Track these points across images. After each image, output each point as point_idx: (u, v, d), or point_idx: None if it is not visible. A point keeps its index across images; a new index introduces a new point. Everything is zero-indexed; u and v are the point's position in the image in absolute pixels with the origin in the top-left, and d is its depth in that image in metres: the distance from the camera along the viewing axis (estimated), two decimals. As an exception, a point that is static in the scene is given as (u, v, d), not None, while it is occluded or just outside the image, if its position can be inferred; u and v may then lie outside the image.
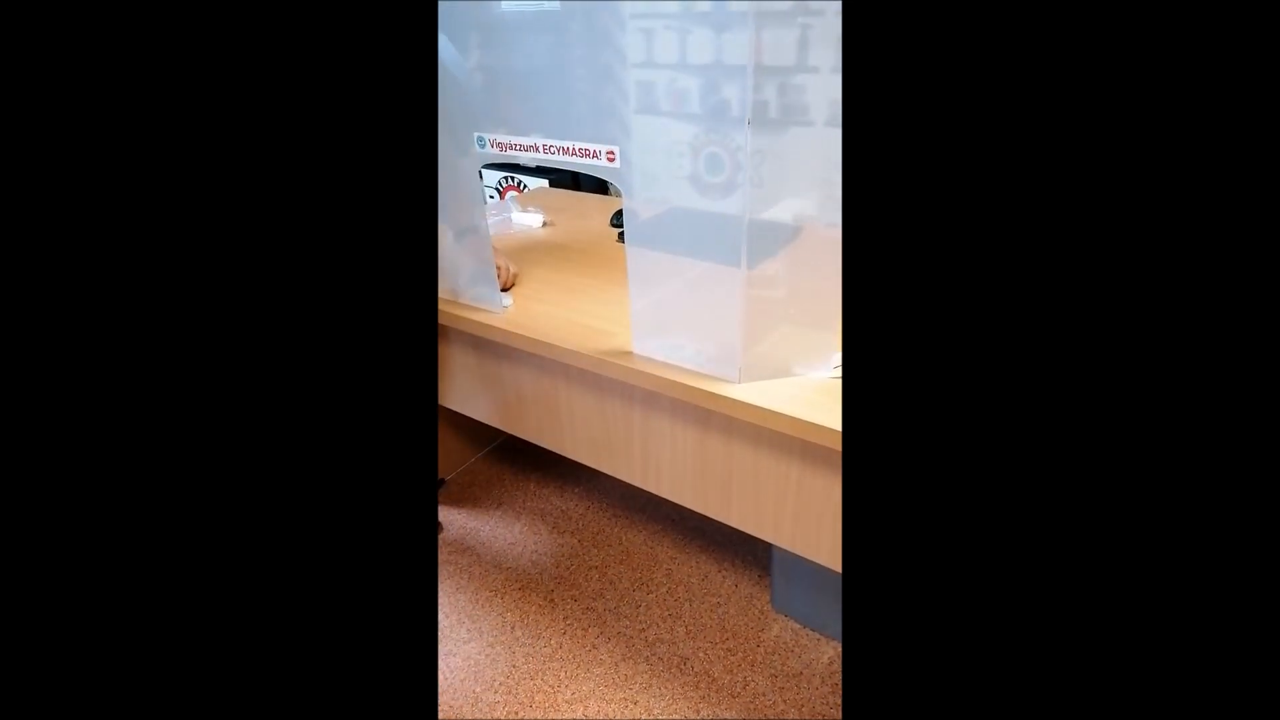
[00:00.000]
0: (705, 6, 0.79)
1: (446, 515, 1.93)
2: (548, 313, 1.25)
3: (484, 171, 2.90)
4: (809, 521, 1.05)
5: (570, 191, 2.31)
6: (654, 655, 1.50)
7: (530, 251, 1.59)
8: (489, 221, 1.30)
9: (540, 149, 1.01)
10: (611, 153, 0.94)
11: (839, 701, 1.39)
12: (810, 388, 0.98)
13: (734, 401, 0.97)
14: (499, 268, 1.29)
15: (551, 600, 1.65)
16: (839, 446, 0.90)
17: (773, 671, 1.46)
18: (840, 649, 1.50)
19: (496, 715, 1.39)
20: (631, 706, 1.40)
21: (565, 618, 1.60)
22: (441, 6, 1.00)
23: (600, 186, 2.49)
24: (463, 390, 1.49)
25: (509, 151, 1.05)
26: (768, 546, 1.65)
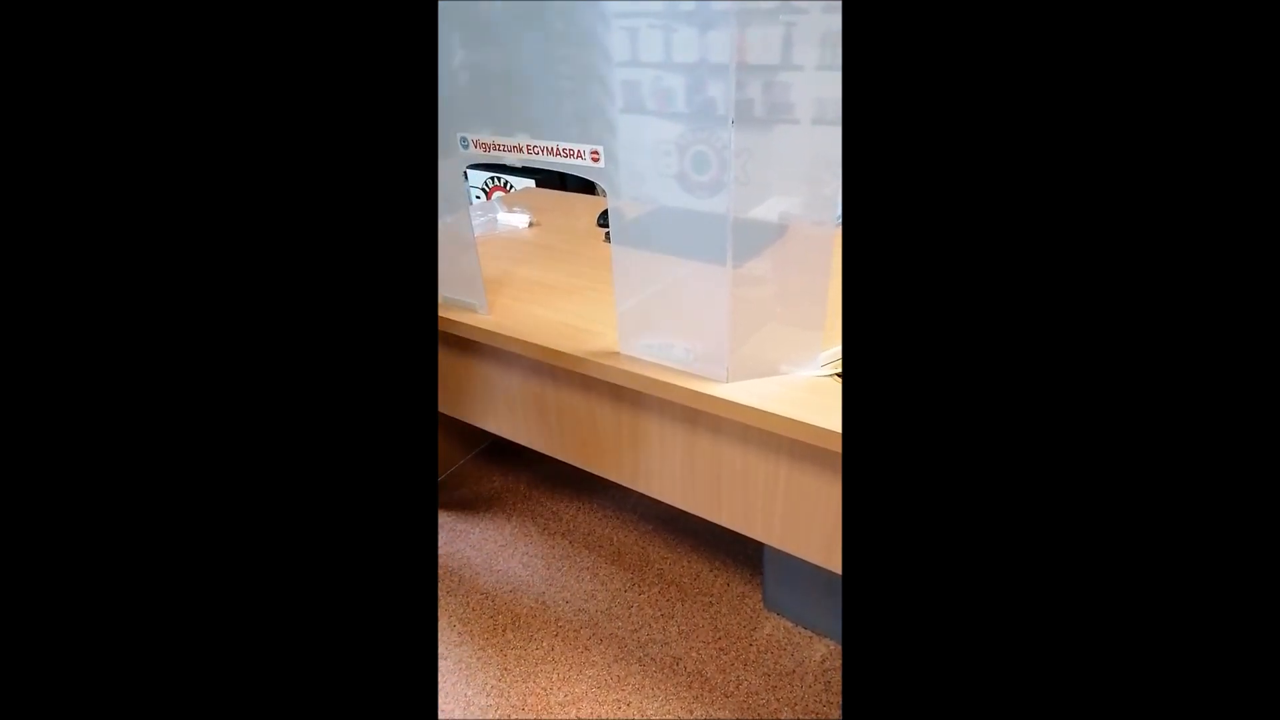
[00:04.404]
0: (689, 5, 0.79)
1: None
2: (534, 314, 1.25)
3: (470, 172, 2.89)
4: (799, 520, 1.05)
5: (556, 191, 2.30)
6: (646, 656, 1.50)
7: (516, 252, 1.59)
8: (474, 222, 1.30)
9: (524, 149, 1.01)
10: (596, 152, 0.94)
11: (832, 699, 1.39)
12: (798, 386, 0.98)
13: (722, 401, 0.97)
14: None
15: (543, 602, 1.64)
16: (828, 445, 0.90)
17: (765, 670, 1.46)
18: (832, 647, 1.50)
19: (488, 718, 1.39)
20: (624, 708, 1.39)
21: (557, 619, 1.60)
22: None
23: (587, 186, 2.49)
24: (450, 392, 1.48)
25: (493, 152, 1.05)
26: (759, 545, 1.65)
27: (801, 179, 0.91)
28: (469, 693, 1.44)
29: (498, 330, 1.20)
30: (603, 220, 1.72)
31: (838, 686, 1.41)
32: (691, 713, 1.38)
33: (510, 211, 1.79)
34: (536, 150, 0.99)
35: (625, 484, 1.28)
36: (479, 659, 1.51)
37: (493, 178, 2.91)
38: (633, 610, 1.61)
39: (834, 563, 1.05)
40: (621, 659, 1.49)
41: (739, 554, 1.74)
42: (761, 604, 1.61)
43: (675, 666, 1.47)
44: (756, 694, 1.41)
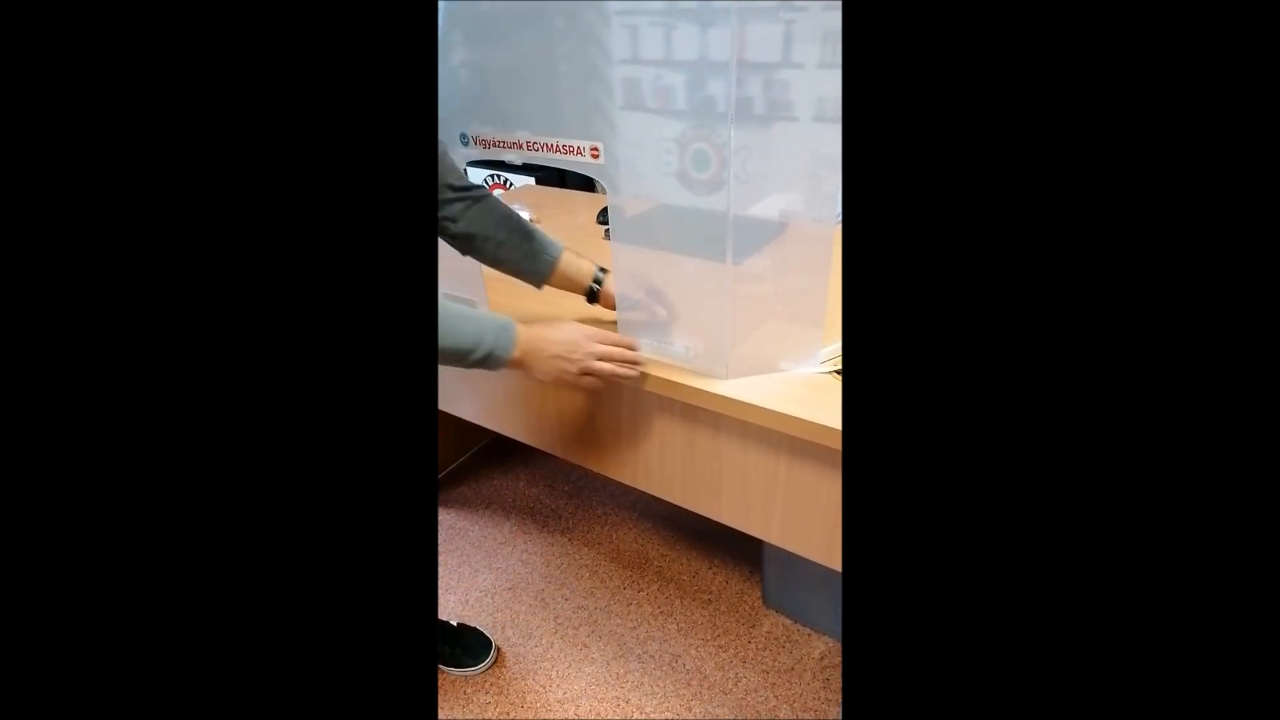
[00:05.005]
0: (689, 3, 0.79)
1: (436, 516, 1.92)
2: (533, 310, 1.25)
3: (470, 170, 2.89)
4: (798, 517, 1.05)
5: (556, 189, 2.30)
6: (645, 653, 1.50)
7: (517, 250, 1.58)
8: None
9: (524, 146, 1.01)
10: (595, 149, 0.93)
11: (831, 697, 1.40)
12: (798, 383, 0.98)
13: (722, 398, 0.97)
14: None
15: (542, 600, 1.65)
16: (827, 442, 0.90)
17: (764, 668, 1.46)
18: (832, 644, 1.50)
19: (488, 715, 1.39)
20: (624, 705, 1.40)
21: (556, 617, 1.60)
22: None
23: (587, 184, 2.49)
24: (450, 389, 1.48)
25: (493, 149, 1.05)
26: (758, 543, 1.65)
27: (801, 176, 0.91)
28: (468, 690, 1.44)
29: (497, 327, 1.20)
30: (602, 218, 1.71)
31: (837, 684, 1.41)
32: (690, 710, 1.38)
33: (510, 209, 1.79)
34: (536, 147, 0.99)
35: (625, 481, 1.28)
36: (478, 656, 1.51)
37: (493, 175, 2.91)
38: (632, 608, 1.61)
39: (833, 560, 1.05)
40: (620, 656, 1.50)
41: (738, 551, 1.75)
42: (761, 601, 1.61)
43: (674, 664, 1.48)
44: (755, 691, 1.41)
